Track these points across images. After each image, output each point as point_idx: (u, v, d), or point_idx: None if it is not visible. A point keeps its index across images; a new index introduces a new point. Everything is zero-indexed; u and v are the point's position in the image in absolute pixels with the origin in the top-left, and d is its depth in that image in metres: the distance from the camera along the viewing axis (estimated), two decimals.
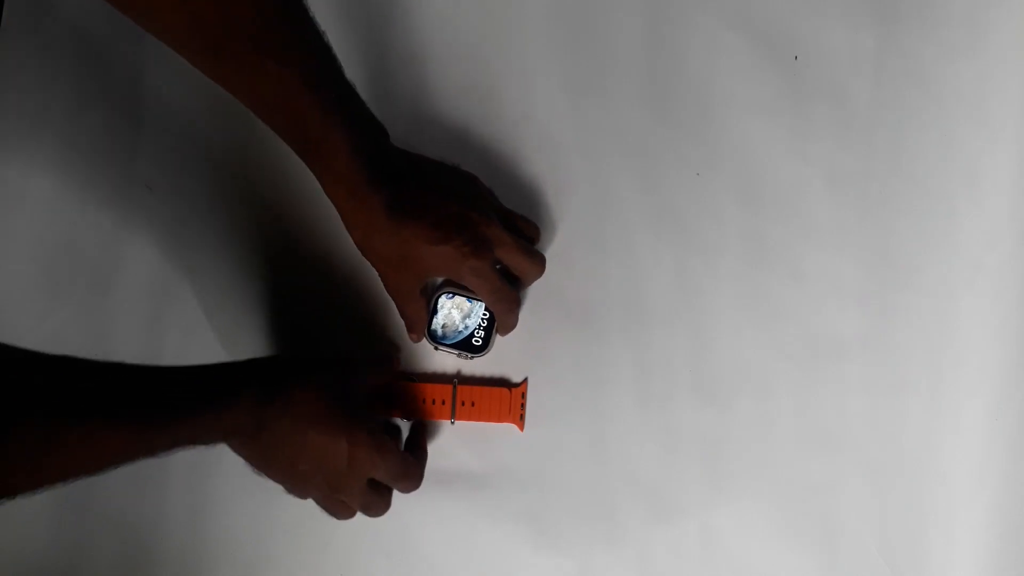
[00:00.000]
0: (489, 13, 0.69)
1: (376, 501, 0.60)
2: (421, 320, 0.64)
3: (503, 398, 0.65)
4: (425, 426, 0.65)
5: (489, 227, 0.60)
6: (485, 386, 0.65)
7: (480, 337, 0.65)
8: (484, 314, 0.64)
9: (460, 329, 0.65)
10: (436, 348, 0.65)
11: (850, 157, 0.67)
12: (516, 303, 0.63)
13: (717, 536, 0.64)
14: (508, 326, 0.64)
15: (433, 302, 0.64)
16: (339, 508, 0.60)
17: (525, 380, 0.66)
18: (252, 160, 0.67)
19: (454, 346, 0.65)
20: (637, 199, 0.67)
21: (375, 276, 0.61)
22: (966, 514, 0.63)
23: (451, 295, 0.64)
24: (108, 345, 0.66)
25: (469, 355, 0.65)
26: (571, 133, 0.68)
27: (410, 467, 0.60)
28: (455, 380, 0.65)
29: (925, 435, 0.64)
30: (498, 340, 0.65)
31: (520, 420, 0.65)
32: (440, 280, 0.65)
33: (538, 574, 0.64)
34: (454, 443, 0.65)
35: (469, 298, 0.64)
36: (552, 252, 0.66)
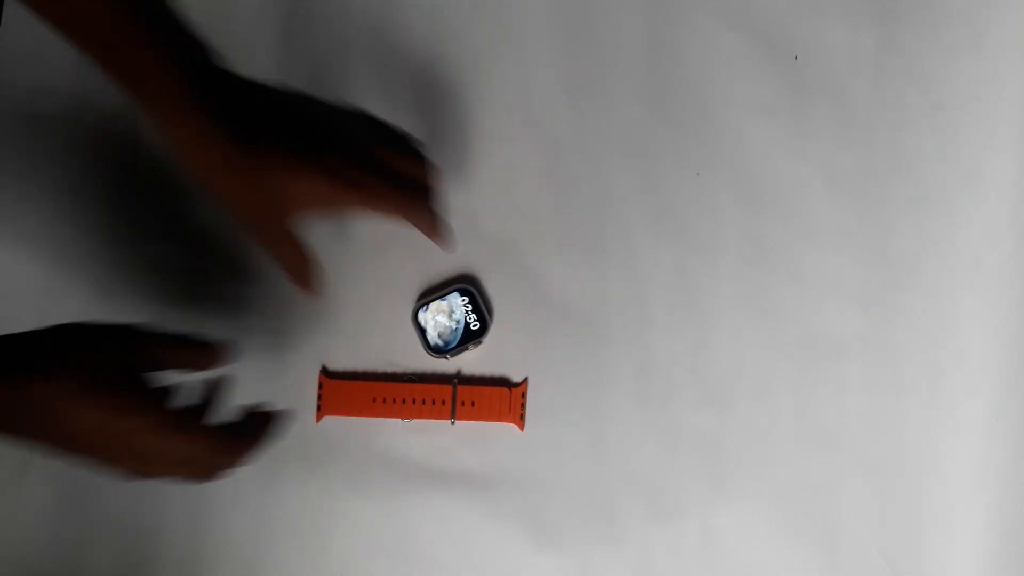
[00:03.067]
0: (489, 13, 0.69)
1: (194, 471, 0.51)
2: (302, 264, 0.54)
3: (503, 398, 0.65)
4: (222, 381, 0.53)
5: (351, 142, 0.53)
6: (485, 386, 0.65)
7: (474, 319, 0.65)
8: (463, 299, 0.65)
9: (454, 327, 0.65)
10: (449, 357, 0.65)
11: (850, 157, 0.67)
12: (417, 199, 0.54)
13: (717, 536, 0.64)
14: (428, 225, 0.55)
15: (416, 324, 0.65)
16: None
17: (525, 380, 0.66)
18: None
19: (460, 345, 0.65)
20: (637, 199, 0.67)
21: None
22: (966, 514, 0.63)
23: (425, 307, 0.65)
24: None
25: (478, 342, 0.65)
26: (571, 133, 0.68)
27: (201, 449, 0.49)
28: (455, 380, 0.65)
29: (925, 435, 0.64)
30: (498, 340, 0.65)
31: (520, 420, 0.65)
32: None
33: (538, 574, 0.64)
34: (454, 443, 0.65)
35: (441, 296, 0.65)
36: (552, 252, 0.66)
